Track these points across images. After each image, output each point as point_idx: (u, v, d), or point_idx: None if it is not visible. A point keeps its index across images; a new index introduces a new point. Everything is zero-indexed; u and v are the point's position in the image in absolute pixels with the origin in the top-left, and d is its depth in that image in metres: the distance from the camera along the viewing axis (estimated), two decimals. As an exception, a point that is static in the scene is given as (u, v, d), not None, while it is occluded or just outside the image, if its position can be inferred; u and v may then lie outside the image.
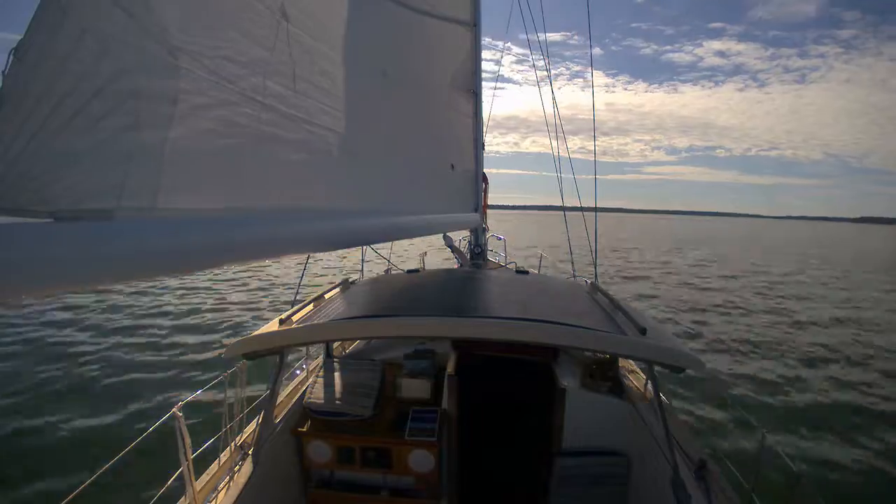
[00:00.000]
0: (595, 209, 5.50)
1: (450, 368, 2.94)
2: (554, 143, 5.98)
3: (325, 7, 1.61)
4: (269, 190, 1.38)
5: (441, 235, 4.65)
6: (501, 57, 8.19)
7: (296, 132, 1.48)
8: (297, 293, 3.98)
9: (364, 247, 4.39)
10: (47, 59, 0.86)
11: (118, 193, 0.97)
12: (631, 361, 3.54)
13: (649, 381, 2.89)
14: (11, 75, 0.81)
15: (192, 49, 1.09)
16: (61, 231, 0.80)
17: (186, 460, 2.12)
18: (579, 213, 5.58)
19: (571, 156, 5.90)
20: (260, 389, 2.94)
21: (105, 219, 0.96)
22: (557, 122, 5.80)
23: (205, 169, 1.19)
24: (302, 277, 4.10)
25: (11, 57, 0.81)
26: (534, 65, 5.90)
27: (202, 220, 1.12)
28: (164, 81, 1.05)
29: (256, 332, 2.51)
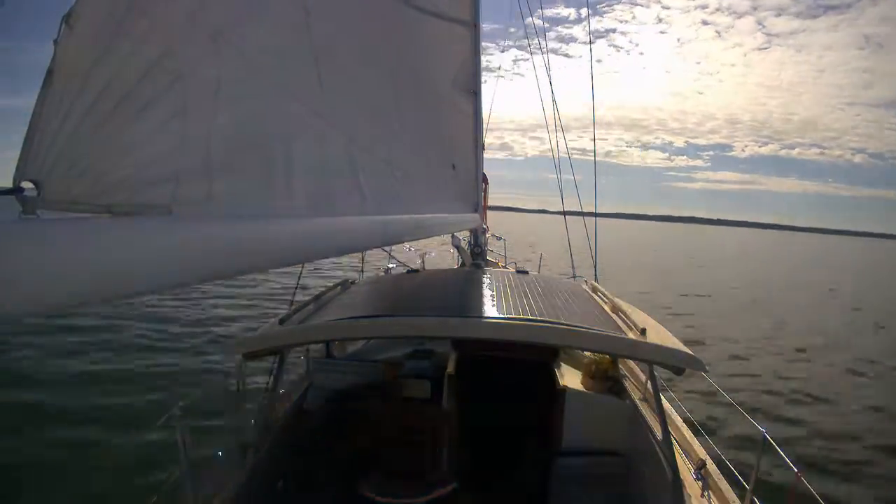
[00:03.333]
0: (595, 213, 5.52)
1: (450, 368, 2.94)
2: (554, 144, 6.00)
3: (340, 4, 1.59)
4: (298, 188, 1.35)
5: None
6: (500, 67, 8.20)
7: (318, 128, 1.47)
8: (296, 293, 3.97)
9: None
10: (97, 31, 0.82)
11: (173, 186, 0.93)
12: (631, 361, 3.54)
13: (649, 381, 2.89)
14: (63, 45, 0.78)
15: (229, 35, 1.05)
16: (124, 228, 0.75)
17: (186, 460, 2.12)
18: (573, 213, 5.62)
19: (571, 154, 5.89)
20: (260, 389, 2.94)
21: (163, 213, 0.92)
22: (558, 122, 5.81)
23: (243, 161, 1.16)
24: (300, 278, 4.10)
25: (63, 24, 0.77)
26: (533, 65, 5.90)
27: (258, 216, 1.08)
28: (206, 67, 1.01)
29: (256, 332, 2.51)
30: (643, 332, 2.19)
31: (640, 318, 2.42)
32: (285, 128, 1.31)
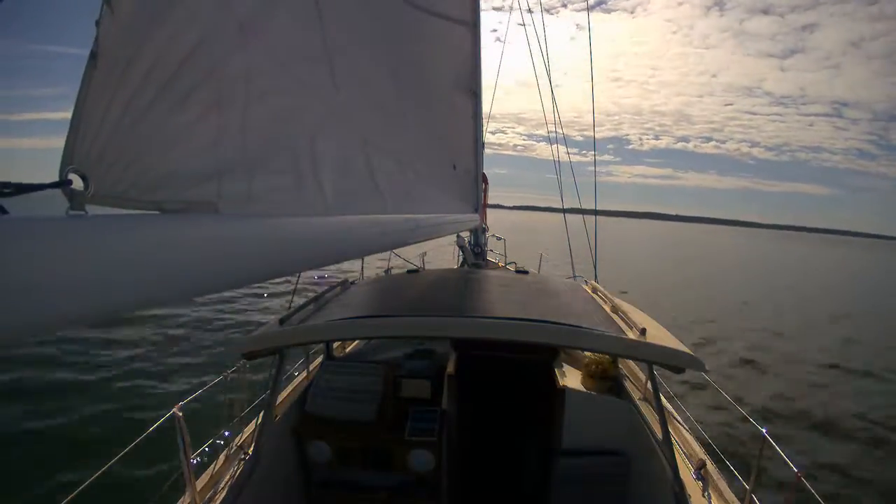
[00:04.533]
0: (595, 212, 5.52)
1: (450, 368, 2.94)
2: (553, 145, 6.00)
3: (346, 2, 1.59)
4: (328, 188, 1.34)
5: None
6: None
7: (337, 128, 1.47)
8: (294, 293, 3.96)
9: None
10: (136, 15, 0.80)
11: (217, 183, 0.91)
12: (631, 361, 3.55)
13: (649, 381, 2.90)
14: (105, 25, 0.75)
15: (253, 28, 1.05)
16: (175, 226, 0.74)
17: (186, 460, 2.12)
18: (574, 212, 5.62)
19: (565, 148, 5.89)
20: (260, 389, 2.93)
21: (210, 211, 0.90)
22: (556, 119, 5.82)
23: (276, 159, 1.15)
24: (298, 277, 4.09)
25: (104, 5, 0.75)
26: (533, 64, 5.90)
27: (300, 216, 1.08)
28: (237, 59, 1.00)
29: (256, 332, 2.51)
30: (643, 332, 2.19)
31: (640, 318, 2.42)
32: (310, 126, 1.31)
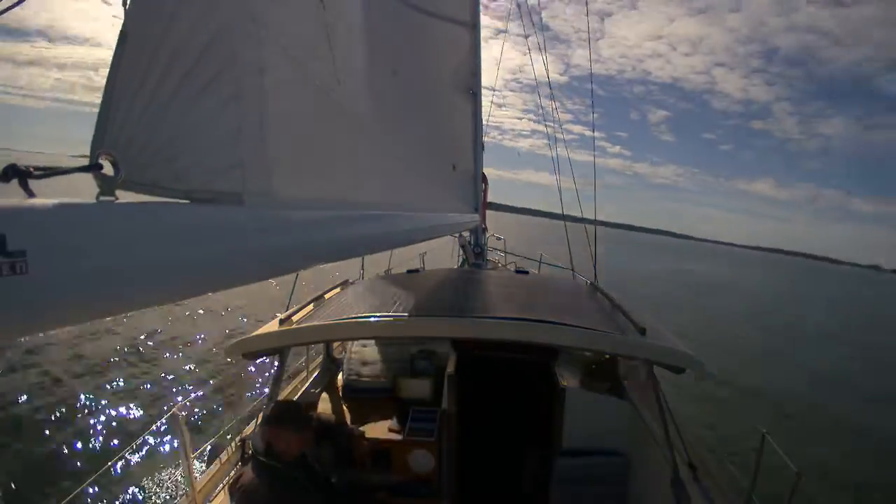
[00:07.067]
0: (594, 219, 5.55)
1: (450, 368, 2.94)
2: (553, 149, 6.02)
3: (349, 2, 1.61)
4: (341, 184, 1.37)
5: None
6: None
7: (337, 125, 1.48)
8: (293, 293, 3.96)
9: None
10: (161, 3, 0.80)
11: (241, 173, 0.92)
12: (631, 361, 3.55)
13: (649, 381, 2.90)
14: (131, 11, 0.76)
15: (267, 20, 1.06)
16: (205, 216, 0.75)
17: (186, 460, 2.12)
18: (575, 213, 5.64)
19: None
20: (260, 390, 2.93)
21: (236, 203, 0.91)
22: (556, 119, 5.82)
23: (292, 153, 1.17)
24: (297, 277, 4.08)
25: None
26: (534, 73, 5.91)
27: (321, 210, 1.11)
28: (252, 52, 1.01)
29: (256, 332, 2.51)
30: (643, 331, 2.19)
31: (640, 317, 2.42)
32: (310, 124, 1.33)
